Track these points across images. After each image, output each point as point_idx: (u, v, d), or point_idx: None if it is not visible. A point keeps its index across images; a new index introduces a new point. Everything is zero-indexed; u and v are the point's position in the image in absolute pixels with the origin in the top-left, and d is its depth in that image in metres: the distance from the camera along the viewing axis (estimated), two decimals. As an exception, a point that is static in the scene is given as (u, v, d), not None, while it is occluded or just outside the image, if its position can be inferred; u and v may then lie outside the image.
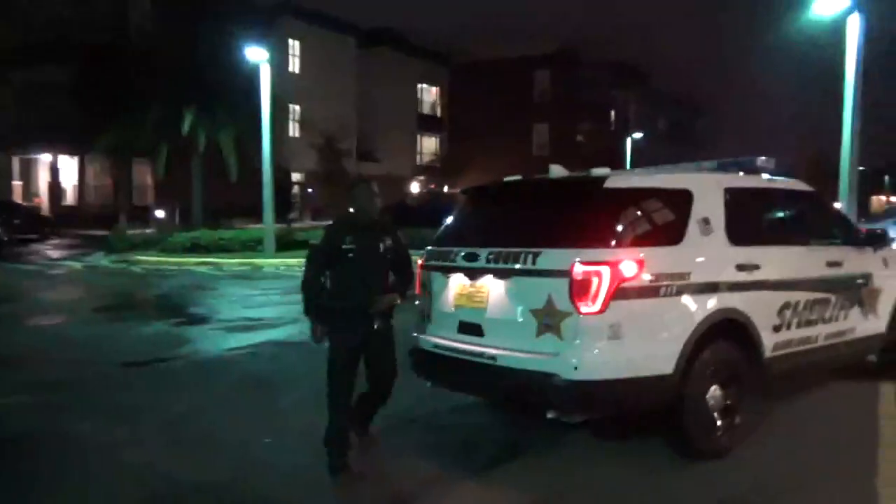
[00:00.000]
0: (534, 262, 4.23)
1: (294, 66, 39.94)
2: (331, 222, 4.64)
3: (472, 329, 4.57)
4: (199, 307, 11.18)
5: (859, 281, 5.74)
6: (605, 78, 49.01)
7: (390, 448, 4.78)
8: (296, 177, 38.45)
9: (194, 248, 19.42)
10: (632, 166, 33.12)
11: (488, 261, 4.48)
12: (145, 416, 5.54)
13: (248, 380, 6.64)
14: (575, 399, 4.05)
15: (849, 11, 12.44)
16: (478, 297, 4.55)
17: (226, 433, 5.13)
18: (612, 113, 53.32)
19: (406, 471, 4.38)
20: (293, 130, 38.92)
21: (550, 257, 4.18)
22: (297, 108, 38.79)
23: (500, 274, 4.41)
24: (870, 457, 4.49)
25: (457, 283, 4.71)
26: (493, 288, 4.45)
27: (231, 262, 18.02)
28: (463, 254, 4.67)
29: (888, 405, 5.65)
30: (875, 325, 5.96)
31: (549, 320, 4.12)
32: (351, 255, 4.26)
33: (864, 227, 7.86)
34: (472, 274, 4.58)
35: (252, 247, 19.93)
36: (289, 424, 5.30)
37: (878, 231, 6.31)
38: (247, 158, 24.18)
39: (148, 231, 24.78)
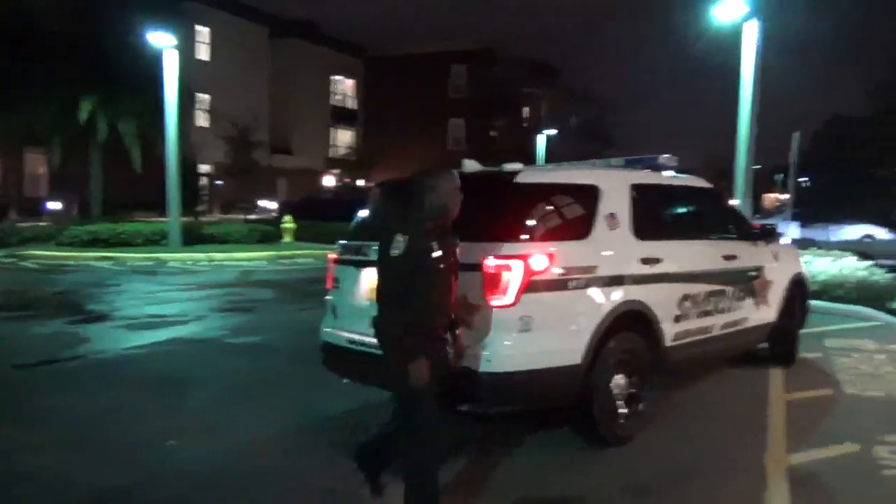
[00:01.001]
0: (447, 256, 4.24)
1: (203, 53, 38.63)
2: (402, 222, 3.53)
3: (384, 323, 4.54)
4: (100, 304, 10.61)
5: (752, 273, 6.09)
6: (520, 75, 49.83)
7: (305, 448, 4.69)
8: (204, 168, 37.16)
9: (94, 242, 18.41)
10: (545, 162, 33.86)
11: (401, 255, 4.46)
12: (44, 421, 5.21)
13: (152, 380, 6.37)
14: (488, 391, 4.10)
15: (746, 17, 13.11)
16: (391, 292, 4.53)
17: (129, 436, 4.89)
18: (526, 109, 54.32)
19: (322, 471, 4.31)
20: (202, 120, 37.62)
21: (465, 251, 4.20)
22: (207, 97, 37.51)
23: (413, 268, 4.40)
24: (761, 438, 4.78)
25: (369, 277, 4.66)
26: (406, 282, 4.44)
27: (134, 256, 17.21)
28: (375, 247, 4.62)
29: (777, 389, 6.03)
30: (766, 314, 6.34)
31: (462, 314, 4.14)
32: (446, 265, 3.50)
33: (758, 222, 8.35)
34: (385, 268, 4.55)
35: (156, 241, 19.12)
36: (195, 425, 5.12)
37: (769, 226, 6.70)
38: (151, 149, 23.19)
39: (42, 224, 23.32)
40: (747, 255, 6.04)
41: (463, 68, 50.26)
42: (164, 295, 11.65)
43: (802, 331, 7.13)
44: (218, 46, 39.05)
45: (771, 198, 51.26)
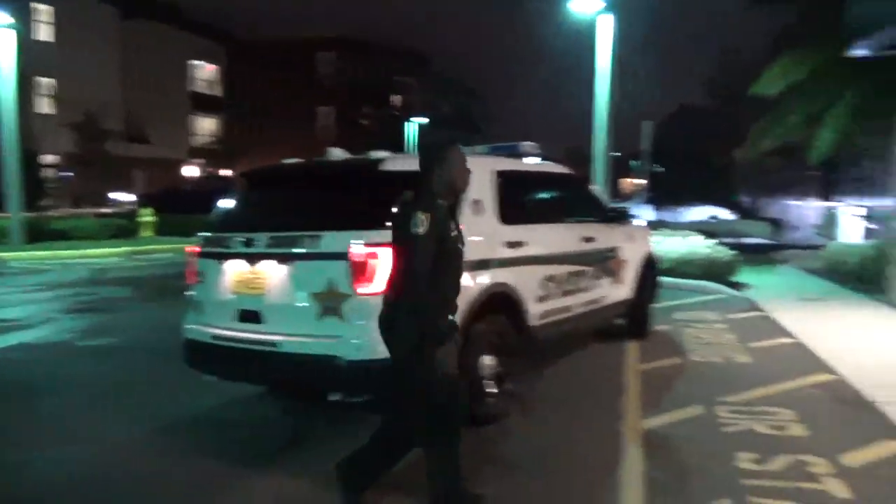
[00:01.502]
0: (313, 246, 4.20)
1: (44, 34, 35.37)
2: (416, 200, 3.27)
3: (251, 316, 4.43)
4: (-72, 311, 9.57)
5: (609, 254, 6.47)
6: (390, 62, 49.72)
7: (172, 449, 4.49)
8: (49, 159, 34.25)
9: (-80, 242, 16.59)
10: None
11: (268, 246, 4.37)
12: None
13: (3, 389, 5.87)
14: (359, 379, 4.10)
15: (601, 11, 13.80)
16: (257, 284, 4.42)
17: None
18: (398, 98, 54.29)
19: (191, 471, 4.14)
20: (45, 107, 34.59)
21: (330, 240, 4.18)
22: (51, 81, 34.53)
23: (279, 259, 4.32)
24: (618, 407, 5.11)
25: (234, 270, 4.52)
26: (272, 273, 4.35)
27: (-30, 257, 15.65)
28: (241, 239, 4.50)
29: (632, 360, 6.46)
30: (622, 291, 6.76)
31: (330, 303, 4.13)
32: (461, 245, 3.38)
33: (614, 206, 8.86)
34: (251, 259, 4.44)
35: (-6, 238, 17.51)
36: (52, 433, 4.76)
37: (622, 209, 7.15)
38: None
39: None
40: (604, 236, 6.41)
41: (332, 55, 49.42)
42: (7, 297, 10.68)
43: (655, 305, 7.68)
44: (63, 27, 35.93)
45: (628, 183, 54.29)
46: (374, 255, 4.06)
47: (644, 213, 23.33)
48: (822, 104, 11.46)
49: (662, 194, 35.29)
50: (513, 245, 5.04)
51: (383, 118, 48.83)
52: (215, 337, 4.57)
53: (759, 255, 15.18)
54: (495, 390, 4.80)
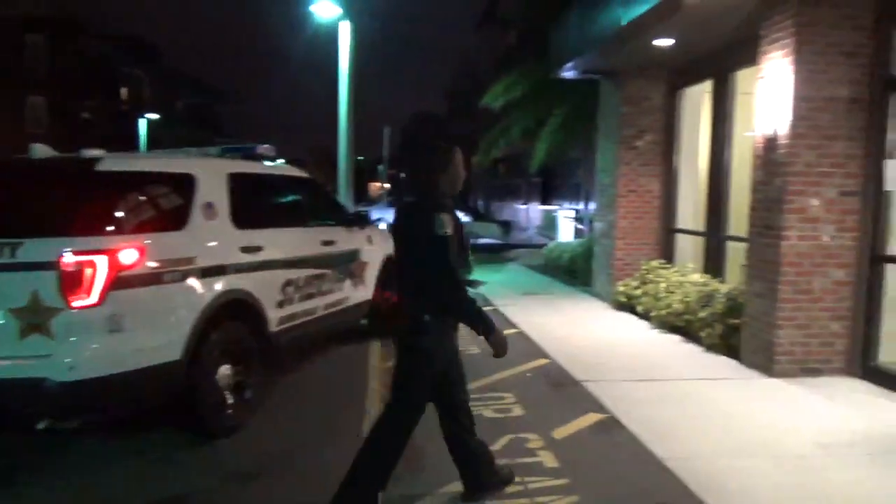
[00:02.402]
0: (13, 255, 3.69)
1: None
2: (424, 201, 3.33)
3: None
4: None
5: (350, 256, 6.60)
6: (115, 52, 45.29)
7: None
8: None
9: None
10: (148, 148, 31.51)
11: (-47, 256, 3.74)
12: None
13: None
14: (72, 402, 3.70)
15: (341, 17, 13.98)
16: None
17: None
18: (125, 91, 49.65)
19: None
20: None
21: (33, 248, 3.71)
22: None
23: (-33, 271, 3.72)
24: (361, 407, 5.22)
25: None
26: (-42, 288, 3.73)
27: None
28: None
29: (375, 358, 6.65)
30: (364, 293, 6.94)
31: (35, 319, 3.66)
32: (463, 243, 3.46)
33: (358, 209, 9.04)
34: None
35: None
36: None
37: (362, 213, 7.35)
38: None
39: None
40: (344, 239, 6.52)
41: (40, 38, 43.59)
42: None
43: (396, 305, 7.97)
44: None
45: (376, 186, 55.83)
46: (90, 264, 3.69)
47: (388, 216, 24.13)
48: (536, 120, 12.88)
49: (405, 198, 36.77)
50: (249, 250, 4.91)
51: (110, 113, 44.40)
52: None
53: (490, 255, 16.56)
54: (233, 400, 4.63)
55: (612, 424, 4.76)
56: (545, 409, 5.15)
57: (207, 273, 4.43)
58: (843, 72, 5.73)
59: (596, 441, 4.49)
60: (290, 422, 4.96)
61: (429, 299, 3.27)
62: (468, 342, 7.32)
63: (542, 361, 6.56)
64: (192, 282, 4.31)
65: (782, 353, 5.86)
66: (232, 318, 4.65)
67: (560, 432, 4.58)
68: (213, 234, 4.63)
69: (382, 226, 8.30)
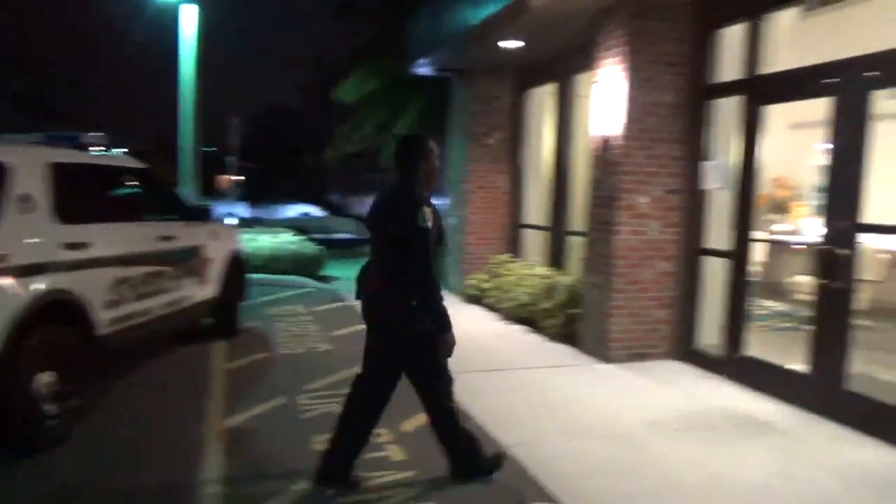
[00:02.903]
0: None
1: None
2: (402, 193, 3.44)
3: None
4: None
5: (190, 252, 6.27)
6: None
7: None
8: None
9: None
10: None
11: None
12: None
13: None
14: None
15: (184, 0, 13.22)
16: None
17: None
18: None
19: None
20: None
21: None
22: None
23: None
24: (202, 410, 4.99)
25: None
26: None
27: None
28: None
29: (219, 360, 6.38)
30: (207, 291, 6.63)
31: None
32: (441, 237, 3.56)
33: (203, 203, 8.62)
34: None
35: None
36: None
37: (204, 207, 7.01)
38: None
39: None
40: (184, 235, 6.18)
41: None
42: None
43: (246, 303, 7.70)
44: None
45: (225, 179, 53.50)
46: None
47: (239, 211, 23.26)
48: (390, 114, 12.91)
49: (258, 192, 35.69)
50: (74, 246, 4.52)
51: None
52: None
53: (345, 250, 16.40)
54: (56, 410, 4.25)
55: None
56: (394, 402, 5.18)
57: (23, 272, 4.03)
58: (667, 80, 6.23)
59: (443, 432, 4.57)
60: (124, 428, 4.63)
61: (410, 287, 3.40)
62: (320, 340, 7.24)
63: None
64: (6, 281, 3.90)
65: (614, 340, 6.29)
66: (54, 320, 4.26)
67: (408, 425, 4.62)
68: (30, 230, 4.22)
69: (233, 220, 7.97)
